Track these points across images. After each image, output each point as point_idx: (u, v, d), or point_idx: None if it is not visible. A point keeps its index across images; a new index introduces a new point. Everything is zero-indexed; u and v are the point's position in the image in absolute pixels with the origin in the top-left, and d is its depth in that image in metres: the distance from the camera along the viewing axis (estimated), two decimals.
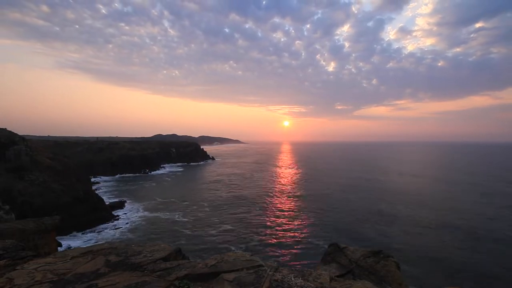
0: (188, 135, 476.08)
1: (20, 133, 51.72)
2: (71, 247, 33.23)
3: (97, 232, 40.53)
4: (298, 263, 29.74)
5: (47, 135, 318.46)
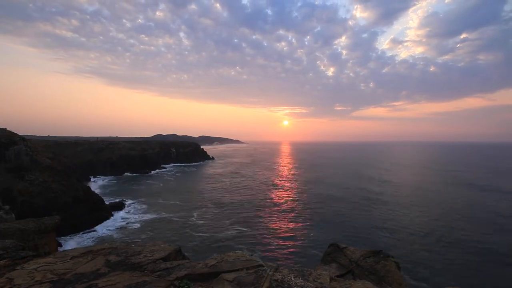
0: (188, 135, 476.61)
1: (20, 133, 51.72)
2: (71, 247, 33.25)
3: (97, 232, 40.51)
4: (298, 263, 29.74)
5: (47, 135, 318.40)
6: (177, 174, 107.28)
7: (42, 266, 4.79)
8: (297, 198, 62.49)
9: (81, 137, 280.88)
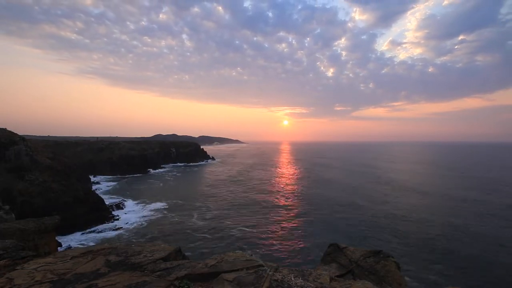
0: (188, 135, 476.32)
1: (20, 133, 51.71)
2: (71, 247, 33.24)
3: (97, 232, 40.50)
4: (298, 263, 29.74)
5: (47, 135, 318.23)
6: (177, 174, 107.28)
7: (42, 266, 4.79)
8: (297, 198, 62.50)
9: (81, 137, 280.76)
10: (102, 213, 46.48)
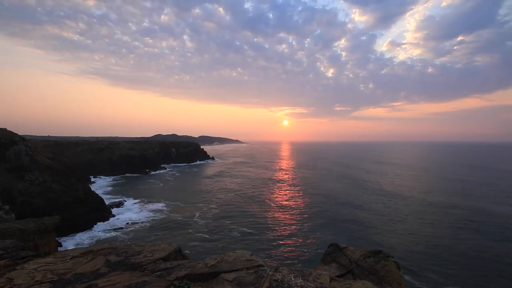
0: (188, 135, 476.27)
1: (20, 133, 51.67)
2: (71, 247, 33.24)
3: (97, 232, 40.49)
4: (298, 263, 29.74)
5: (47, 135, 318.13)
6: (177, 174, 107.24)
7: (42, 266, 4.79)
8: (297, 198, 62.49)
9: (81, 137, 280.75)
10: (102, 213, 46.46)
